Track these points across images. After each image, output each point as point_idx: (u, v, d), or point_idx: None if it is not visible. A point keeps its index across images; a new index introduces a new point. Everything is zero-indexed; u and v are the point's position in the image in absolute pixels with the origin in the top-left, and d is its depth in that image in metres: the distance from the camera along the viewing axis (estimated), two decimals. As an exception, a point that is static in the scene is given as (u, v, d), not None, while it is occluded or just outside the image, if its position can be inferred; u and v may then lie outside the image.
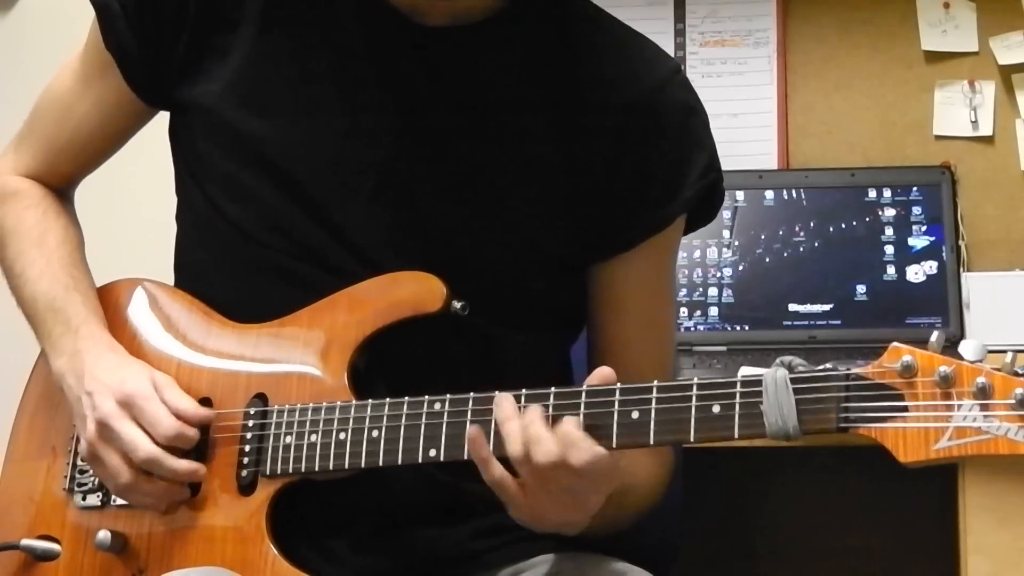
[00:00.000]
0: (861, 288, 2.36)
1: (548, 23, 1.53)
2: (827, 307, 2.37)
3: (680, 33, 2.53)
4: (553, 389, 1.34)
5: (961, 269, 2.35)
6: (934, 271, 2.36)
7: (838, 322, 2.35)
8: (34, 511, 1.57)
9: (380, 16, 1.50)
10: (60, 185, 1.69)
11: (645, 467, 1.50)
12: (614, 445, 1.32)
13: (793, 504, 2.55)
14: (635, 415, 1.32)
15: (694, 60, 2.52)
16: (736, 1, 2.53)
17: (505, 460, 1.35)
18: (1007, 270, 2.39)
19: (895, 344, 1.24)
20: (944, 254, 2.36)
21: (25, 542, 1.55)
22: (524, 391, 1.35)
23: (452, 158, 1.50)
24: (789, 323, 2.36)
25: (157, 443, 1.45)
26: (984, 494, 2.00)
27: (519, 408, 1.34)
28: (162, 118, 1.64)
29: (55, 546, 1.55)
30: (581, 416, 1.33)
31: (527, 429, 1.32)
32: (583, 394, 1.34)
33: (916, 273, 2.36)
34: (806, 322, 2.36)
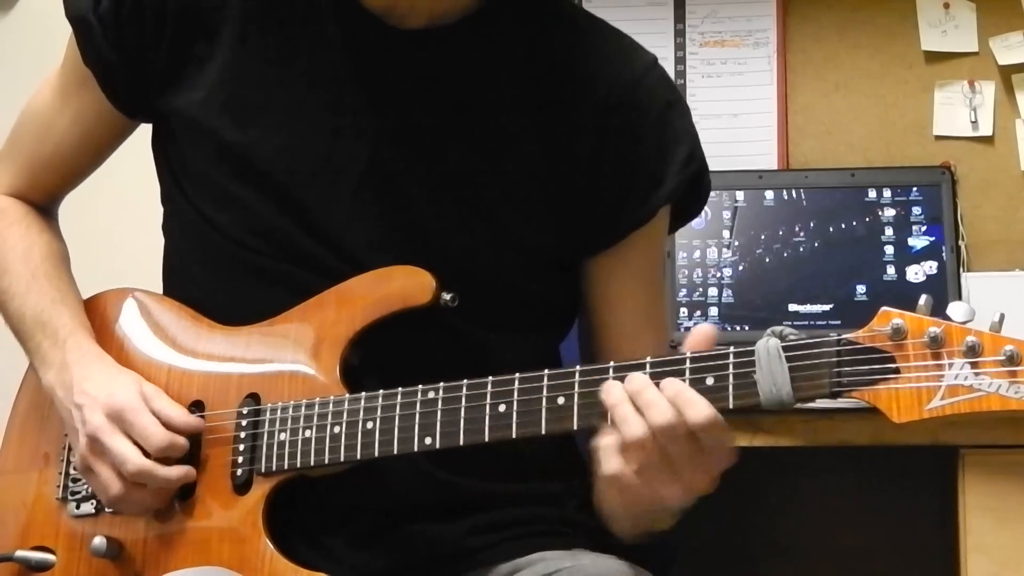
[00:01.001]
0: (861, 288, 2.36)
1: (525, 22, 1.53)
2: (827, 307, 2.36)
3: (680, 33, 2.53)
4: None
5: (961, 269, 2.35)
6: (934, 271, 2.36)
7: (838, 322, 2.35)
8: (28, 521, 1.58)
9: (359, 20, 1.50)
10: (43, 202, 1.70)
11: None
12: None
13: (793, 504, 2.55)
14: None
15: (694, 60, 2.52)
16: (736, 1, 2.53)
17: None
18: (1007, 270, 2.39)
19: (884, 308, 1.25)
20: (944, 254, 2.36)
21: (20, 554, 1.55)
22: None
23: (436, 159, 1.50)
24: (789, 323, 2.35)
25: (148, 455, 1.45)
26: (984, 494, 2.00)
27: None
28: (146, 129, 1.64)
29: (50, 556, 1.55)
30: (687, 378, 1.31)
31: (640, 396, 1.30)
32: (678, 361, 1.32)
33: (916, 273, 2.36)
34: (806, 322, 2.36)
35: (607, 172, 1.52)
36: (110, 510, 1.52)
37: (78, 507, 1.55)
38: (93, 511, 1.53)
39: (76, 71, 1.60)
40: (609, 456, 1.32)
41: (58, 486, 1.57)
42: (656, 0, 2.53)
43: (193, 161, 1.55)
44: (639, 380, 1.31)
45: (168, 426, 1.47)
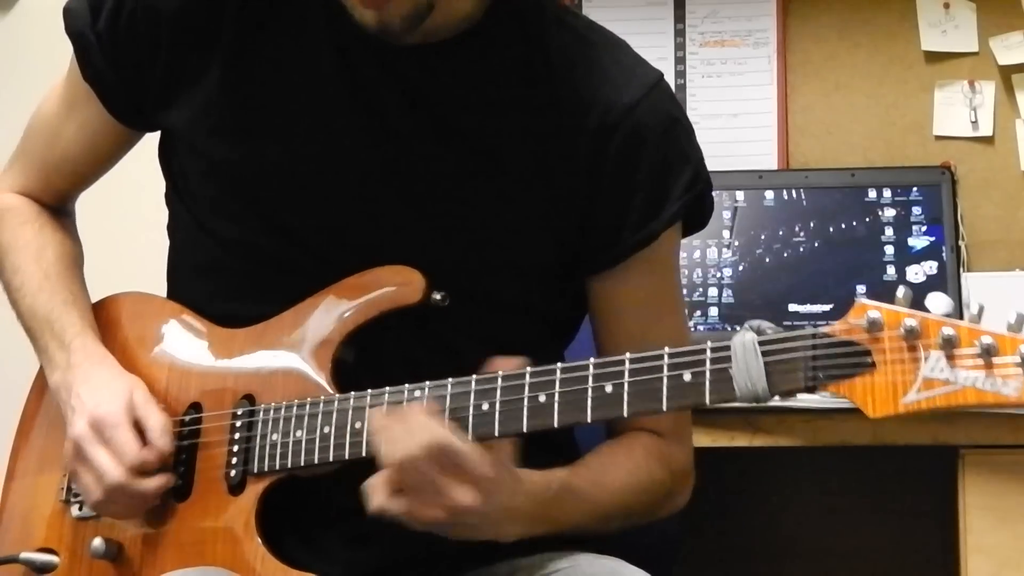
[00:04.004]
0: (861, 288, 2.36)
1: (523, 38, 1.51)
2: (827, 307, 2.36)
3: (680, 33, 2.53)
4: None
5: (961, 269, 2.35)
6: (934, 271, 2.36)
7: (838, 322, 2.35)
8: (34, 524, 1.60)
9: (352, 36, 1.48)
10: (56, 202, 1.71)
11: (612, 469, 1.50)
12: (589, 419, 1.33)
13: (793, 504, 2.55)
14: (608, 388, 1.33)
15: (694, 60, 2.52)
16: (736, 1, 2.53)
17: None
18: (1007, 270, 2.39)
19: (861, 301, 1.23)
20: (944, 254, 2.36)
21: (24, 555, 1.57)
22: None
23: (429, 178, 1.50)
24: (789, 323, 2.36)
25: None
26: (984, 494, 2.00)
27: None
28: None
29: (53, 558, 1.57)
30: (447, 408, 1.37)
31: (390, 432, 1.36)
32: (472, 383, 1.38)
33: (916, 273, 2.36)
34: (806, 322, 2.35)
35: (607, 192, 1.50)
36: (95, 512, 1.53)
37: (80, 509, 1.56)
38: (94, 513, 1.54)
39: (79, 83, 1.62)
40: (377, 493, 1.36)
41: (61, 488, 1.59)
42: (656, 0, 2.53)
43: (189, 174, 1.58)
44: (379, 418, 1.37)
45: (150, 436, 1.48)
